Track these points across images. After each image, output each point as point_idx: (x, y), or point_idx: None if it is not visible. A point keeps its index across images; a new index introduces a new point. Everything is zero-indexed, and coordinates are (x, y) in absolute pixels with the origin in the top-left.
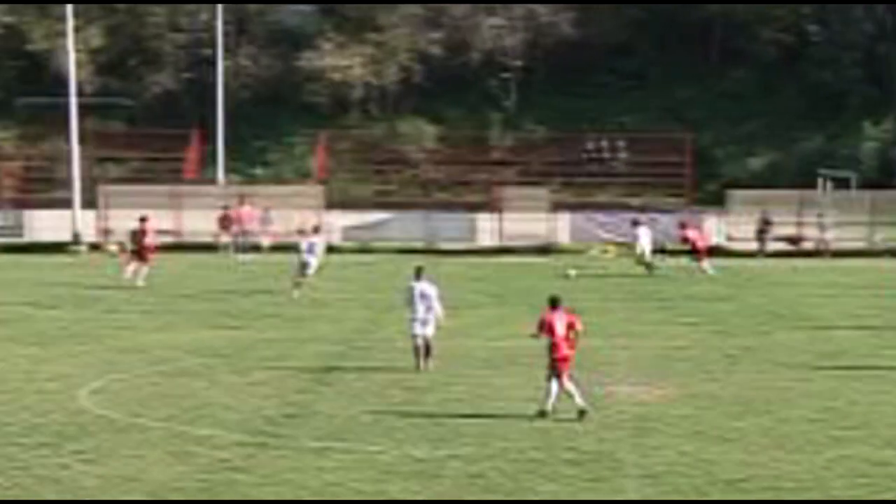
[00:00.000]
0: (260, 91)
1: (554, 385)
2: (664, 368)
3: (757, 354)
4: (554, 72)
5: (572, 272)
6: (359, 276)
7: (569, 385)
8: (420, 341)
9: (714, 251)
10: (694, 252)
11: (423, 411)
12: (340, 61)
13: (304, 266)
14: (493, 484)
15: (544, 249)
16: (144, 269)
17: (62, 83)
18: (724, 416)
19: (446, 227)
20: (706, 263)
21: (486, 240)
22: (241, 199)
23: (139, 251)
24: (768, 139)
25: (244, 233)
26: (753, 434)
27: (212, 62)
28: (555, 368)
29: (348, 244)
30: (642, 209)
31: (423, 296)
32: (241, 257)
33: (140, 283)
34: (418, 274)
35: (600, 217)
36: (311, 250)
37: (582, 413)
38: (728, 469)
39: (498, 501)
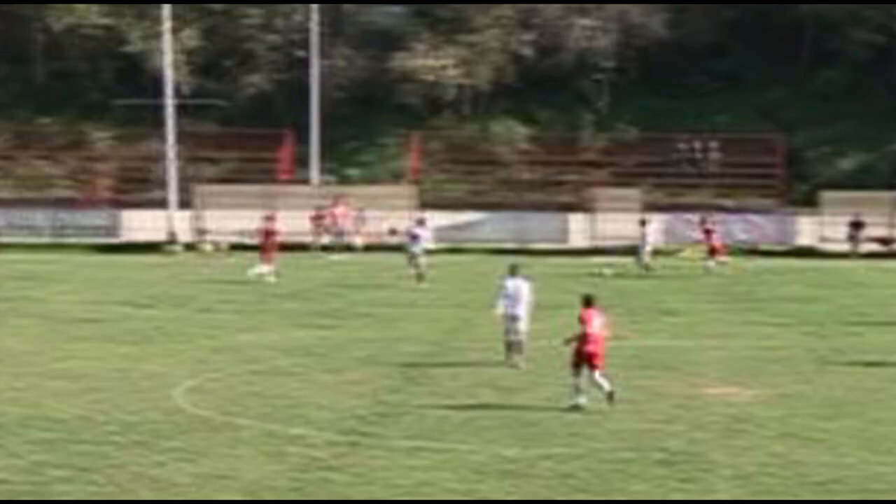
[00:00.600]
0: (353, 92)
1: (582, 380)
2: (755, 369)
3: (848, 355)
4: (646, 72)
5: (608, 271)
6: (452, 275)
7: (601, 379)
8: (512, 336)
9: (805, 253)
10: (710, 249)
11: (514, 411)
12: (433, 62)
13: (412, 257)
14: (584, 484)
15: (636, 251)
16: (265, 268)
17: (158, 84)
18: (814, 417)
19: (538, 227)
20: (712, 262)
21: (577, 240)
22: (336, 199)
23: (264, 248)
24: (860, 140)
25: (338, 233)
26: (844, 435)
27: (306, 63)
28: (582, 360)
29: (441, 245)
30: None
31: (516, 293)
32: (335, 257)
33: (271, 279)
34: (513, 271)
35: (693, 218)
36: (416, 239)
37: (611, 395)
38: (818, 471)
39: (589, 501)
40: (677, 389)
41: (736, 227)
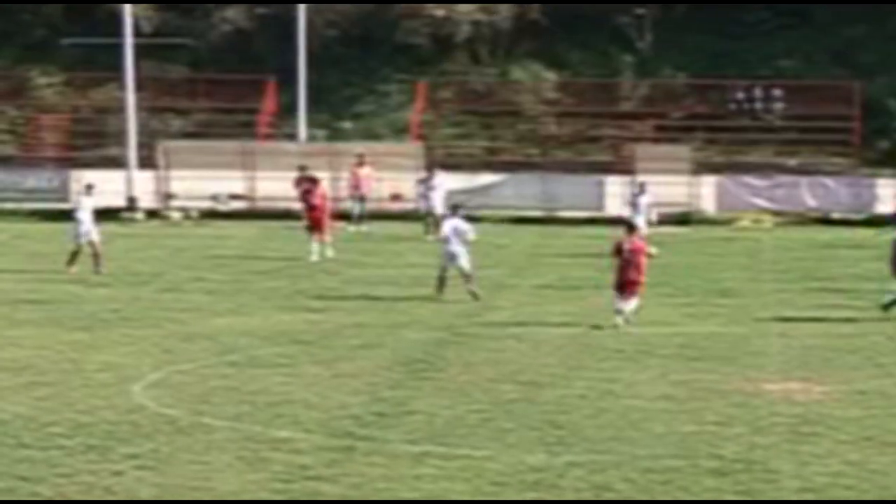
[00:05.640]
0: (348, 30)
1: (621, 302)
2: (827, 361)
3: None
4: (697, 6)
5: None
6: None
7: (632, 304)
8: (447, 273)
9: (886, 222)
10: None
11: (539, 410)
12: None
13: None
14: (622, 497)
15: (684, 219)
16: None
17: (115, 20)
18: None
19: (568, 191)
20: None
21: (615, 207)
22: (361, 159)
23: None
24: None
25: (360, 198)
26: None
27: None
28: (623, 289)
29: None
30: (800, 171)
31: (454, 232)
32: (353, 228)
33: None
34: (454, 211)
35: (753, 181)
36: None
37: (615, 326)
38: None
39: None
40: (734, 385)
41: (803, 192)
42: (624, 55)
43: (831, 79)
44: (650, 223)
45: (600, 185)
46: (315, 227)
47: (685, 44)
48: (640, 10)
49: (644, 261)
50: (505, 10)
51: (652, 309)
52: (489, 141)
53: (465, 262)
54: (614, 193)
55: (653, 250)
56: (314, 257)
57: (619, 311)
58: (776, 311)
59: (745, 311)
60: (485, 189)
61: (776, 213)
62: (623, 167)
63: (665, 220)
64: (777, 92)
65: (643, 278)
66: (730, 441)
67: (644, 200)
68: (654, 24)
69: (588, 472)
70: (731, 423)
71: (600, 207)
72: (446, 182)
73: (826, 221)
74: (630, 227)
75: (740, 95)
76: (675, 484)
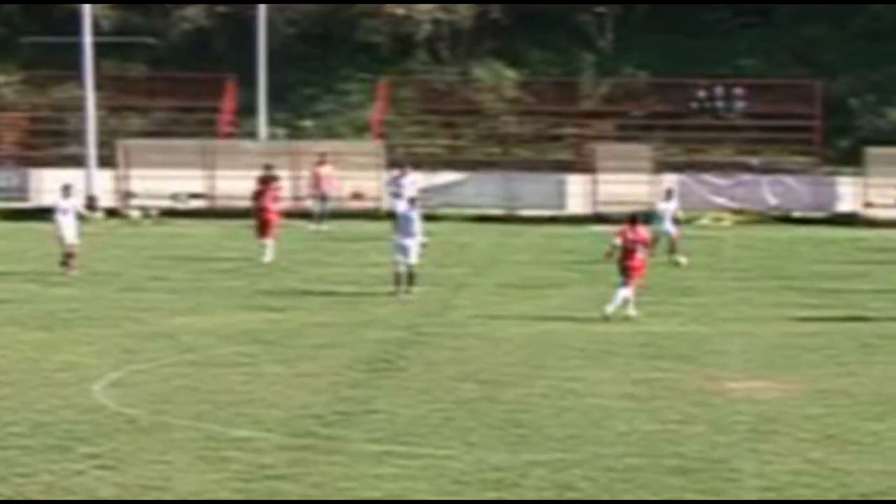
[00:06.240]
0: (308, 28)
1: (623, 291)
2: (788, 359)
3: None
4: (659, 5)
5: (683, 260)
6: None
7: (629, 293)
8: (401, 268)
9: (847, 220)
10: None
11: (501, 409)
12: None
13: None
14: (584, 496)
15: (645, 219)
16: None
17: (74, 19)
18: (859, 416)
19: (529, 190)
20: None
21: (576, 206)
22: (322, 157)
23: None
24: None
25: (322, 197)
26: (895, 438)
27: None
28: (626, 275)
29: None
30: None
31: (407, 224)
32: (314, 226)
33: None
34: (411, 203)
35: (715, 179)
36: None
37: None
38: (864, 480)
39: None
40: (695, 384)
41: (764, 191)
42: (585, 54)
43: (793, 78)
44: (677, 222)
45: (561, 183)
46: (263, 228)
47: (646, 42)
48: (600, 9)
49: (644, 253)
50: (465, 9)
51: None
52: (450, 140)
53: (414, 257)
54: (575, 192)
55: (682, 259)
56: (267, 258)
57: (626, 301)
58: (737, 310)
59: (707, 309)
60: (446, 188)
61: (737, 212)
62: (584, 166)
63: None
64: (738, 91)
65: (643, 269)
66: (691, 440)
67: (670, 206)
68: (616, 23)
69: (550, 471)
70: (692, 422)
71: (561, 206)
72: (419, 181)
73: (787, 220)
74: (634, 219)
75: (701, 94)
76: (637, 483)
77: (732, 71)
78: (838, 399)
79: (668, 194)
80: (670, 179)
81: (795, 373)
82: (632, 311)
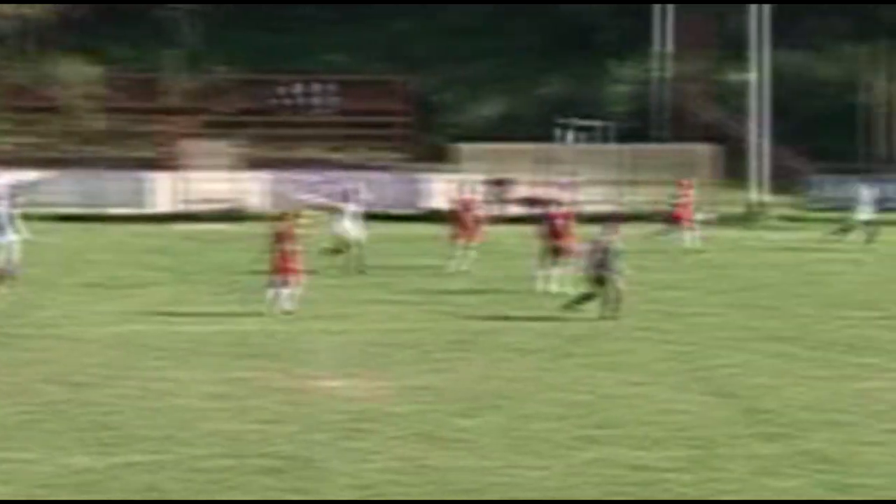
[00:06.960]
0: None
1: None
2: (378, 357)
3: (492, 339)
4: (246, 5)
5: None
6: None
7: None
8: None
9: (439, 217)
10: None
11: (88, 412)
12: None
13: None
14: (172, 497)
15: (233, 216)
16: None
17: None
18: (451, 413)
19: (111, 188)
20: None
21: (164, 204)
22: None
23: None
24: (503, 82)
25: None
26: (487, 435)
27: None
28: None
29: None
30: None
31: (9, 219)
32: None
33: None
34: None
35: (304, 177)
36: None
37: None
38: (457, 477)
39: None
40: (286, 383)
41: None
42: (169, 50)
43: (383, 74)
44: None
45: (144, 181)
46: None
47: (234, 39)
48: (178, 6)
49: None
50: (49, 6)
51: (201, 306)
52: (34, 137)
53: (15, 255)
54: (162, 190)
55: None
56: None
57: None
58: (329, 309)
59: (304, 309)
60: (31, 186)
61: (324, 210)
62: (167, 163)
63: (212, 217)
64: (320, 87)
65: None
66: (282, 439)
67: (350, 207)
68: (204, 20)
69: (138, 472)
70: (284, 421)
71: (142, 204)
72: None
73: (374, 217)
74: (283, 215)
75: (281, 90)
76: (228, 483)
77: (322, 67)
78: (427, 396)
79: (345, 195)
80: (263, 178)
81: (387, 371)
82: (288, 306)
